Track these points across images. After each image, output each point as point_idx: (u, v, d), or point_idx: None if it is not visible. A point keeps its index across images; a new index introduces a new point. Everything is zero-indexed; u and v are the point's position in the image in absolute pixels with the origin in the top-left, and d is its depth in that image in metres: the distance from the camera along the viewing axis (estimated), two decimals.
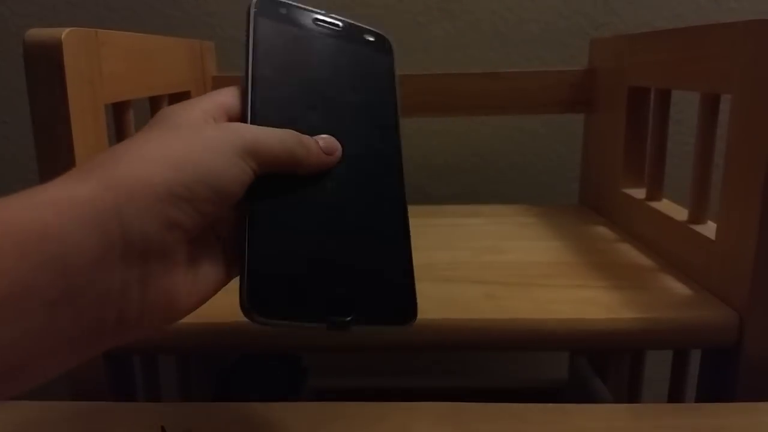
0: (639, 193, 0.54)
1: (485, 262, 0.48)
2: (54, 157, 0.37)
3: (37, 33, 0.36)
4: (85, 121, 0.39)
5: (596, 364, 0.67)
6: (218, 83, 0.65)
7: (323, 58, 0.31)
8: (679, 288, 0.42)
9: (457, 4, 0.73)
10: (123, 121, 0.46)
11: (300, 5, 0.32)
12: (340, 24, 0.33)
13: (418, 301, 0.28)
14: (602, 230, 0.57)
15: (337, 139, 0.29)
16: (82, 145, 0.38)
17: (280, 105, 0.29)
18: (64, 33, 0.36)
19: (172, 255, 0.23)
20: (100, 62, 0.40)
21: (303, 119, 0.29)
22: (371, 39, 0.34)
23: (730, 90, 0.39)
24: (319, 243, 0.27)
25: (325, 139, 0.29)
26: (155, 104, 0.53)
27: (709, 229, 0.43)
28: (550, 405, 0.35)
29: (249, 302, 0.24)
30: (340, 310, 0.26)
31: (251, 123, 0.27)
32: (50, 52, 0.36)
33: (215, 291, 0.26)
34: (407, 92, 0.65)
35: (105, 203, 0.21)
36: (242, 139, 0.25)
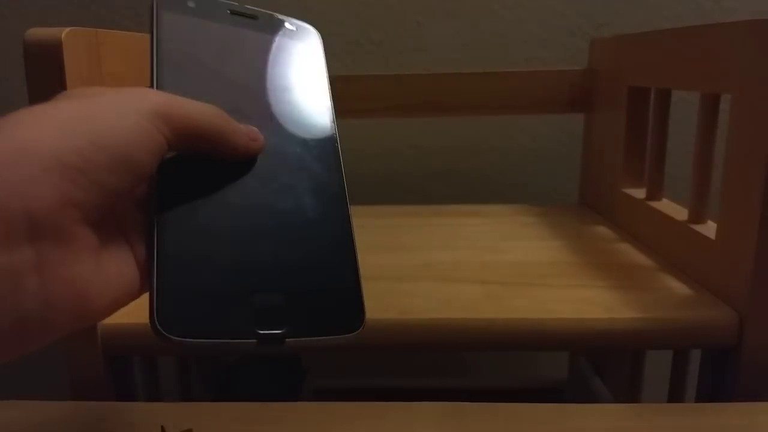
0: (639, 192, 0.54)
1: (485, 262, 0.48)
2: None
3: (37, 33, 0.36)
4: None
5: (596, 363, 0.67)
6: None
7: (241, 51, 0.29)
8: (678, 288, 0.42)
9: (457, 4, 0.74)
10: None
11: None
12: (258, 15, 0.30)
13: (366, 308, 0.26)
14: (602, 230, 0.57)
15: (264, 135, 0.26)
16: None
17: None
18: (64, 33, 0.36)
19: (71, 239, 0.19)
20: (99, 62, 0.40)
21: None
22: (293, 29, 0.32)
23: (729, 90, 0.39)
24: (243, 247, 0.24)
25: (246, 126, 0.25)
26: None
27: (709, 228, 0.43)
28: (550, 405, 0.35)
29: (160, 321, 0.21)
30: (271, 322, 0.23)
31: None
32: (50, 51, 0.36)
33: (128, 297, 0.22)
34: (408, 93, 0.65)
35: None
36: (151, 102, 0.22)
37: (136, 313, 0.24)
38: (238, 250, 0.24)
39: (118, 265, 0.22)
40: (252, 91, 0.28)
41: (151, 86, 0.25)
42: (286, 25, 0.31)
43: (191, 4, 0.28)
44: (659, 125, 0.51)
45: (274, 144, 0.27)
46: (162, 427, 0.33)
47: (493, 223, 0.60)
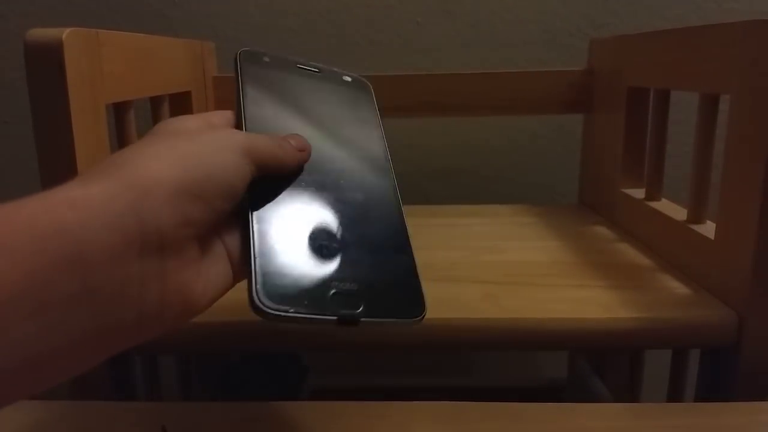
0: (638, 193, 0.55)
1: (485, 262, 0.49)
2: (55, 157, 0.38)
3: (38, 33, 0.36)
4: (86, 121, 0.39)
5: (595, 363, 0.67)
6: (219, 83, 0.65)
7: (307, 95, 0.35)
8: (677, 288, 0.43)
9: (457, 5, 0.74)
10: (124, 121, 0.47)
11: (281, 54, 0.36)
12: (320, 69, 0.37)
13: (426, 298, 0.29)
14: (601, 230, 0.57)
15: (329, 156, 0.32)
16: (82, 145, 0.38)
17: (274, 132, 0.31)
18: (65, 33, 0.36)
19: (185, 252, 0.24)
20: (101, 62, 0.40)
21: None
22: (349, 80, 0.38)
23: (729, 90, 0.40)
24: (322, 246, 0.28)
25: (295, 138, 0.31)
26: (156, 104, 0.53)
27: (708, 228, 0.44)
28: (550, 404, 0.36)
29: (258, 298, 0.25)
30: (348, 304, 0.27)
31: None
32: (51, 52, 0.36)
33: (224, 291, 0.27)
34: (408, 93, 0.65)
35: (122, 201, 0.22)
36: (238, 141, 0.27)
37: None
38: (318, 248, 0.28)
39: (216, 266, 0.26)
40: (315, 127, 0.33)
41: (238, 119, 0.31)
42: (344, 77, 0.38)
43: (266, 59, 0.35)
44: (658, 125, 0.51)
45: (337, 167, 0.32)
46: (163, 426, 0.33)
47: (493, 223, 0.60)
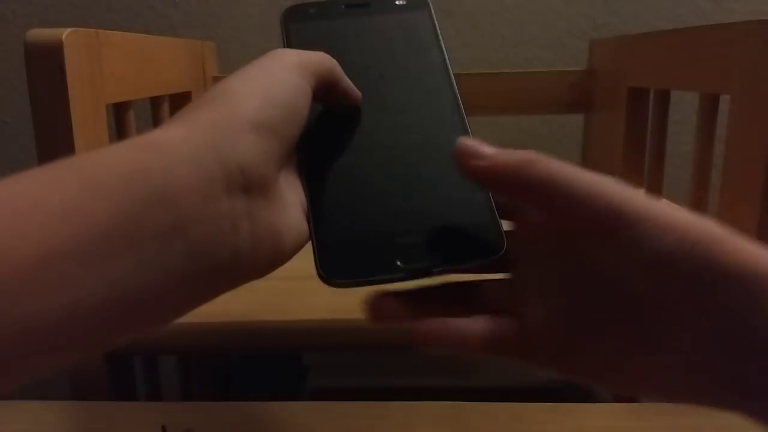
0: None
1: None
2: (55, 157, 0.37)
3: (38, 33, 0.36)
4: (86, 121, 0.39)
5: None
6: None
7: (357, 37, 0.33)
8: None
9: (457, 5, 0.74)
10: (124, 121, 0.47)
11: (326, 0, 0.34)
12: (368, 2, 0.35)
13: (503, 231, 0.27)
14: None
15: (384, 102, 0.30)
16: (83, 146, 0.38)
17: None
18: (65, 34, 0.36)
19: (269, 192, 0.24)
20: (101, 63, 0.40)
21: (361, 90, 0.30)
22: (403, 2, 0.36)
23: (728, 90, 0.40)
24: (382, 197, 0.27)
25: None
26: (156, 105, 0.53)
27: None
28: (550, 404, 0.36)
29: (323, 269, 0.25)
30: (416, 257, 0.25)
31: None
32: (51, 52, 0.36)
33: (305, 239, 0.26)
34: None
35: (198, 140, 0.22)
36: (290, 58, 0.26)
37: None
38: (378, 200, 0.27)
39: (295, 213, 0.26)
40: (367, 73, 0.31)
41: None
42: (396, 1, 0.36)
43: (312, 11, 0.33)
44: (659, 125, 0.51)
45: (394, 110, 0.30)
46: (163, 426, 0.33)
47: None
